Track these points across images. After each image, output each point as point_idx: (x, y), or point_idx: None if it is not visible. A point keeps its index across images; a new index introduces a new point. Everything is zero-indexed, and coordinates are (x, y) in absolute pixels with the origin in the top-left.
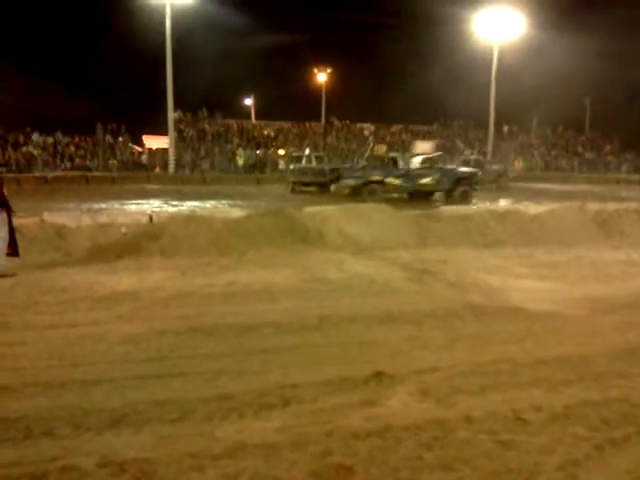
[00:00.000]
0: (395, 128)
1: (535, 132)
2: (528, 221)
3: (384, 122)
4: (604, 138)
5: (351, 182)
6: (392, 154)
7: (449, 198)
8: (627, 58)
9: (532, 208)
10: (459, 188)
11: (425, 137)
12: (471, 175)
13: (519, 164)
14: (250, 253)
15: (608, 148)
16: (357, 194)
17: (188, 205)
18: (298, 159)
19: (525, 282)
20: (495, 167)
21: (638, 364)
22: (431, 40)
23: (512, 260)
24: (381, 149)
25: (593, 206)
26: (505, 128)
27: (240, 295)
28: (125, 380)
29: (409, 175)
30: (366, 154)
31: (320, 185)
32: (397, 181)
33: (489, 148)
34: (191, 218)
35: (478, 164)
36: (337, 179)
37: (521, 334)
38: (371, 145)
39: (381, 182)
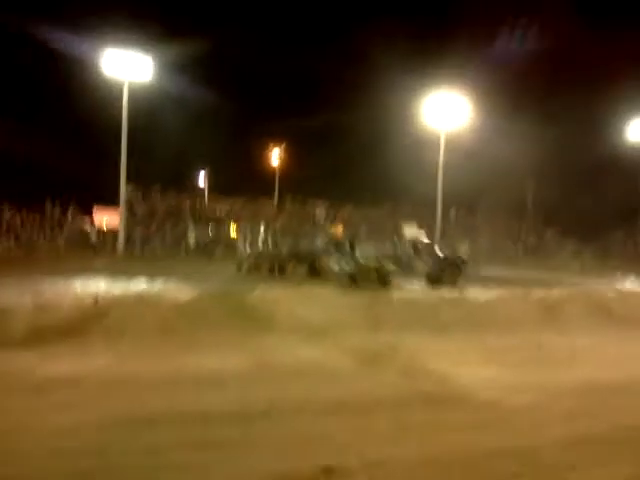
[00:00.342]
0: (346, 208)
1: (481, 216)
2: (477, 307)
3: (335, 202)
4: (545, 224)
5: (347, 268)
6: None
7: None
8: (566, 147)
9: (481, 294)
10: (449, 271)
11: (378, 219)
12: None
13: (464, 248)
14: (199, 336)
15: (549, 233)
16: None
17: (136, 285)
18: (253, 238)
19: (474, 368)
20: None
21: (587, 455)
22: (382, 125)
23: (461, 345)
24: (337, 229)
25: (539, 292)
26: (452, 211)
27: (186, 381)
28: (58, 477)
29: (403, 260)
30: (326, 234)
31: (280, 267)
32: (393, 267)
33: (437, 231)
34: (138, 300)
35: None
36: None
37: (471, 423)
38: (333, 225)
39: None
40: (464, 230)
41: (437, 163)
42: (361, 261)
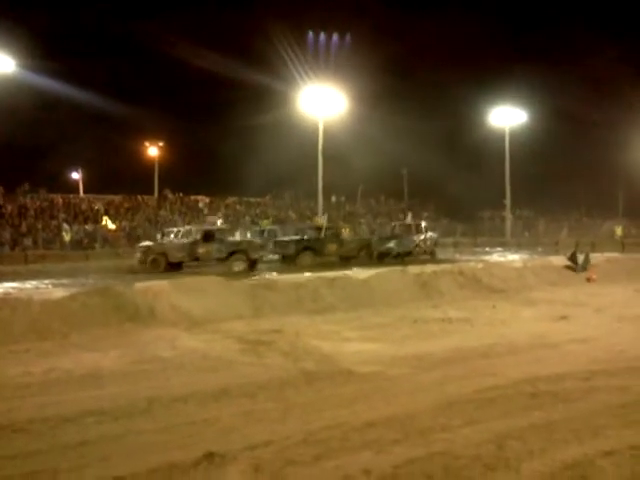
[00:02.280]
0: (230, 200)
1: (360, 201)
2: (357, 285)
3: (218, 194)
4: (422, 205)
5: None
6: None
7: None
8: (436, 134)
9: (360, 273)
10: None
11: (259, 207)
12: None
13: (346, 232)
14: (74, 336)
15: (426, 214)
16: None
17: (4, 287)
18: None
19: (354, 345)
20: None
21: (458, 416)
22: (260, 115)
23: (342, 324)
24: (318, 221)
25: (414, 269)
26: (333, 198)
27: (61, 383)
28: None
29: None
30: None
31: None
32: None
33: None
34: (4, 301)
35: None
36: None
37: (351, 397)
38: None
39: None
40: (346, 215)
41: (317, 153)
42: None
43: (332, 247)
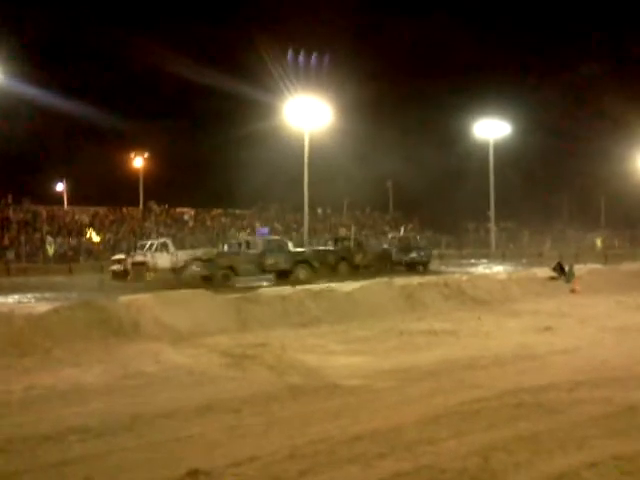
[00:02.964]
0: (215, 212)
1: (346, 213)
2: (342, 298)
3: (203, 206)
4: (406, 217)
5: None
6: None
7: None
8: (421, 146)
9: (345, 285)
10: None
11: (245, 220)
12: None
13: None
14: (56, 351)
15: (410, 227)
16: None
17: None
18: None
19: (340, 358)
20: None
21: (444, 428)
22: (246, 127)
23: (328, 337)
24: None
25: (400, 281)
26: (319, 210)
27: (42, 400)
28: None
29: None
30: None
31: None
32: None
33: (305, 230)
34: None
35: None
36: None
37: (337, 411)
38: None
39: None
40: (331, 227)
41: (302, 166)
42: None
43: (359, 257)
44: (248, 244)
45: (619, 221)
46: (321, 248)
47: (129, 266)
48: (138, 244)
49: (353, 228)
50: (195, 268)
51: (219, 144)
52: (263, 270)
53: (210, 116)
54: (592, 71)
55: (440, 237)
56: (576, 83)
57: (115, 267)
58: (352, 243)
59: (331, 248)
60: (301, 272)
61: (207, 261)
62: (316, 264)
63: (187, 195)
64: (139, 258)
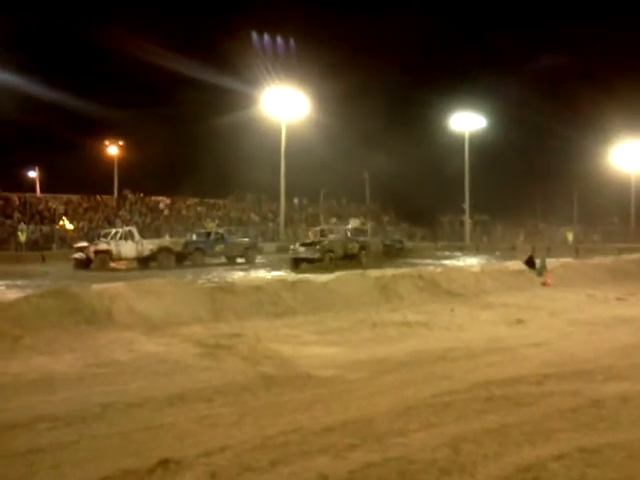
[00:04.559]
0: (191, 201)
1: (322, 204)
2: (317, 289)
3: (179, 195)
4: (382, 209)
5: None
6: None
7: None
8: (397, 138)
9: (321, 276)
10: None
11: (221, 209)
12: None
13: (311, 235)
14: (26, 339)
15: (386, 218)
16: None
17: None
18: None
19: (314, 349)
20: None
21: (414, 420)
22: (223, 116)
23: (302, 328)
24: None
25: (374, 272)
26: (295, 200)
27: (10, 388)
28: None
29: None
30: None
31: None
32: None
33: (281, 220)
34: None
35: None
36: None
37: (309, 401)
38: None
39: None
40: (308, 217)
41: (279, 156)
42: None
43: (374, 247)
44: (328, 232)
45: (591, 216)
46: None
47: (92, 254)
48: (102, 232)
49: (370, 222)
50: (303, 251)
51: (196, 133)
52: (345, 254)
53: (187, 105)
54: (554, 62)
55: (415, 229)
56: (549, 78)
57: (77, 255)
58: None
59: (358, 239)
60: (363, 257)
61: (312, 245)
62: (375, 250)
63: (163, 184)
64: (102, 246)
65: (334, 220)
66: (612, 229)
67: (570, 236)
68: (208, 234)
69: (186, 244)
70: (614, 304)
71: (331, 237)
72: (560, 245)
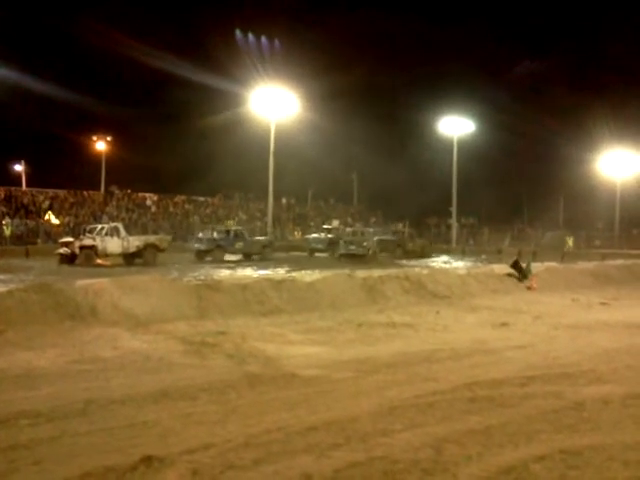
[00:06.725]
0: (178, 199)
1: (310, 204)
2: (303, 288)
3: (166, 192)
4: (370, 210)
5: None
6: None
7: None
8: (386, 140)
9: (307, 275)
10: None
11: (209, 207)
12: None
13: (299, 234)
14: (9, 334)
15: (373, 219)
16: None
17: None
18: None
19: (299, 348)
20: (259, 238)
21: (398, 420)
22: (212, 116)
23: (288, 327)
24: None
25: (361, 273)
26: (284, 200)
27: None
28: None
29: None
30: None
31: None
32: None
33: (269, 219)
34: None
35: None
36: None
37: (293, 401)
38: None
39: None
40: (295, 217)
41: (267, 155)
42: None
43: (409, 245)
44: (361, 233)
45: (576, 221)
46: (383, 237)
47: (77, 250)
48: (88, 227)
49: (407, 223)
50: (350, 247)
51: (184, 131)
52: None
53: (176, 103)
54: (541, 68)
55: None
56: (538, 84)
57: (62, 250)
58: (407, 234)
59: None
60: (397, 254)
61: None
62: (407, 247)
63: (150, 181)
64: (88, 242)
65: (336, 222)
66: (596, 235)
67: (570, 241)
68: (228, 232)
69: (209, 240)
70: (598, 309)
71: (381, 237)
72: (546, 249)
